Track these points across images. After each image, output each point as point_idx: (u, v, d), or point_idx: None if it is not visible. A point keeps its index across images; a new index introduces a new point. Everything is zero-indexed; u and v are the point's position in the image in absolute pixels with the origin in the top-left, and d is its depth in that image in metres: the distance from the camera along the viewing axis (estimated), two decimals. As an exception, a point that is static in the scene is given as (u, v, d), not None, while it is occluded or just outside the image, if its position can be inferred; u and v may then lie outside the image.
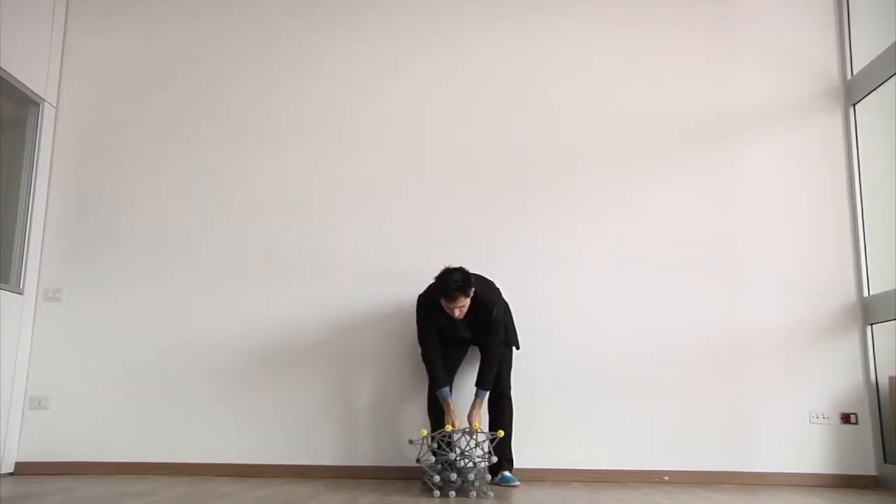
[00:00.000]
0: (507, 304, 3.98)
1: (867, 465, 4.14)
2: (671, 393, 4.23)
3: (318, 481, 3.93)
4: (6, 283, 4.25)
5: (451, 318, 3.79)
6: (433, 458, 3.61)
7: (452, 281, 3.68)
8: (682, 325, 4.31)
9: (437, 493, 3.47)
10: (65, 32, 4.70)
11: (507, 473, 3.88)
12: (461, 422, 3.77)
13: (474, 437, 3.63)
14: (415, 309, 3.90)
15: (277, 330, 4.35)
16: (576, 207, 4.45)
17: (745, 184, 4.48)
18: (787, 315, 4.31)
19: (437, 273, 3.76)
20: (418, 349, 3.93)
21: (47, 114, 4.54)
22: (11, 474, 4.18)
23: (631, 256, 4.38)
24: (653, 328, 4.29)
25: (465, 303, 3.72)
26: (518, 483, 3.84)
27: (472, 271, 3.76)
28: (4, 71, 4.18)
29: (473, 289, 3.71)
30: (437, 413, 3.89)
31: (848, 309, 4.32)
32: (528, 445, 4.06)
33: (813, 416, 4.21)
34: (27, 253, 4.36)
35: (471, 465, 3.54)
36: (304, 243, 4.43)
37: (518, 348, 4.03)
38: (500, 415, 3.91)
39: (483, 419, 3.89)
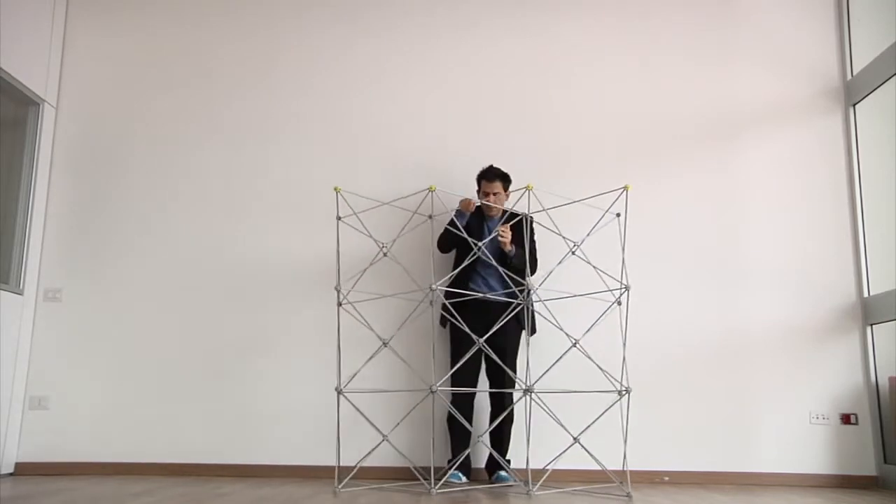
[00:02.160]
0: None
1: (867, 465, 4.14)
2: (671, 393, 4.23)
3: (318, 481, 3.93)
4: (6, 283, 4.25)
5: (482, 219, 3.98)
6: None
7: (494, 167, 4.09)
8: (682, 324, 4.31)
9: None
10: (65, 32, 4.70)
11: (502, 473, 3.90)
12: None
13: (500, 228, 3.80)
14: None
15: (279, 330, 4.34)
16: (575, 207, 4.44)
17: (745, 184, 4.48)
18: (787, 315, 4.31)
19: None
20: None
21: (47, 114, 4.54)
22: (11, 474, 4.18)
23: (630, 256, 4.37)
24: (653, 328, 4.28)
25: (501, 192, 4.03)
26: (513, 482, 3.85)
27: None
28: (4, 71, 4.19)
29: (507, 185, 4.06)
30: (457, 430, 3.92)
31: (848, 309, 4.32)
32: (528, 445, 4.05)
33: (813, 416, 4.21)
34: (27, 253, 4.36)
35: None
36: (307, 245, 4.42)
37: (534, 332, 4.00)
38: (501, 410, 3.90)
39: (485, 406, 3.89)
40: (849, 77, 4.54)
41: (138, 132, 4.61)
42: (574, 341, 3.64)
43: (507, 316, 3.78)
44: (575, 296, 3.84)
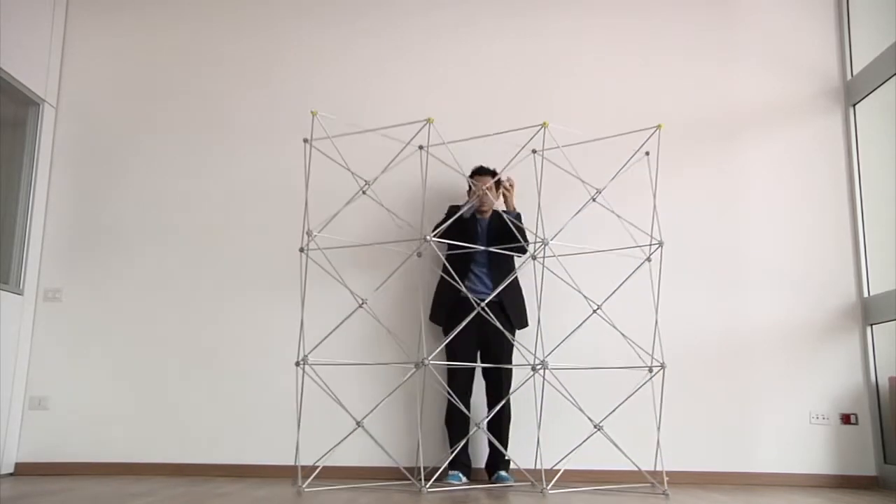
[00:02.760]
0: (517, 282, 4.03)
1: (867, 465, 4.14)
2: (671, 393, 4.21)
3: (318, 481, 3.93)
4: (6, 283, 4.25)
5: (475, 218, 3.98)
6: None
7: (485, 166, 4.12)
8: (682, 324, 4.30)
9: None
10: (65, 32, 4.70)
11: (502, 473, 3.90)
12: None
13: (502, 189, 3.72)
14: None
15: (278, 330, 4.34)
16: (575, 207, 4.44)
17: (746, 184, 4.48)
18: (787, 315, 4.31)
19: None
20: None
21: (47, 114, 4.54)
22: (11, 474, 4.19)
23: (631, 256, 4.37)
24: (652, 328, 4.27)
25: (491, 185, 4.03)
26: (513, 482, 3.85)
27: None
28: (4, 71, 4.19)
29: (497, 182, 4.04)
30: (456, 430, 3.90)
31: (848, 309, 4.32)
32: (529, 445, 4.05)
33: (813, 416, 4.21)
34: (27, 253, 4.36)
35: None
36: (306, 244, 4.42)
37: (525, 326, 4.05)
38: (502, 411, 3.90)
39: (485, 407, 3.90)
40: (849, 77, 4.54)
41: (138, 132, 4.61)
42: (595, 306, 3.48)
43: (509, 278, 3.76)
44: (597, 251, 3.69)
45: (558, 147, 3.60)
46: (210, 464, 4.19)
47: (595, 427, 3.55)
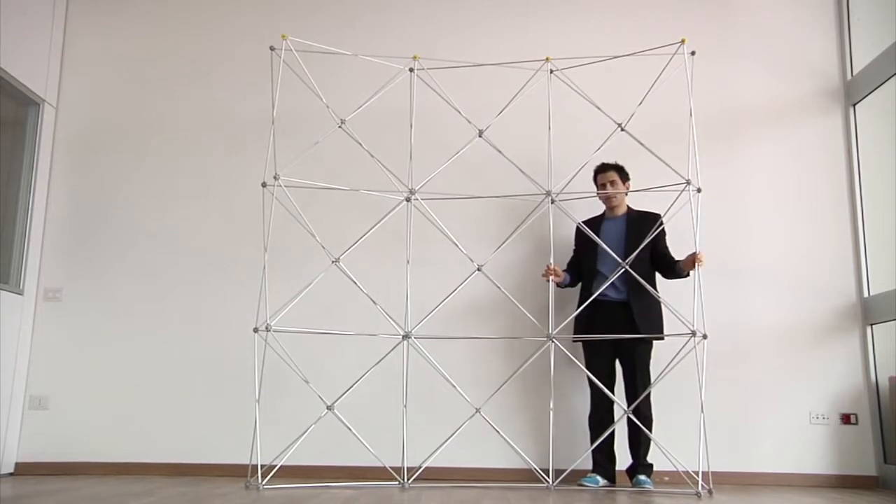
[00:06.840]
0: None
1: (867, 465, 4.14)
2: (671, 393, 4.22)
3: (319, 481, 3.93)
4: (6, 283, 4.25)
5: (602, 219, 3.98)
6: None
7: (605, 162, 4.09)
8: (682, 324, 4.30)
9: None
10: (65, 32, 4.71)
11: (640, 477, 3.79)
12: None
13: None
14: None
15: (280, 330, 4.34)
16: (576, 206, 4.44)
17: (745, 184, 4.48)
18: (787, 315, 4.31)
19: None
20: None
21: (47, 114, 4.54)
22: (11, 474, 4.19)
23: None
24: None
25: (617, 181, 4.03)
26: (652, 487, 3.77)
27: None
28: (4, 71, 4.19)
29: (625, 177, 4.05)
30: (596, 432, 3.81)
31: (848, 309, 4.32)
32: (531, 445, 4.05)
33: (813, 416, 4.21)
34: (27, 253, 4.36)
35: None
36: (305, 242, 4.41)
37: (657, 336, 3.92)
38: (637, 415, 3.74)
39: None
40: (849, 77, 4.54)
41: (138, 132, 4.61)
42: (624, 265, 3.39)
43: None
44: (620, 193, 3.70)
45: (571, 78, 3.58)
46: (210, 464, 4.19)
47: (624, 411, 3.47)
